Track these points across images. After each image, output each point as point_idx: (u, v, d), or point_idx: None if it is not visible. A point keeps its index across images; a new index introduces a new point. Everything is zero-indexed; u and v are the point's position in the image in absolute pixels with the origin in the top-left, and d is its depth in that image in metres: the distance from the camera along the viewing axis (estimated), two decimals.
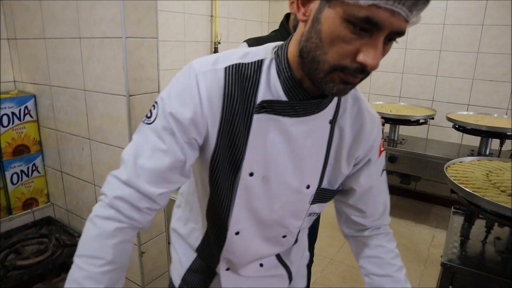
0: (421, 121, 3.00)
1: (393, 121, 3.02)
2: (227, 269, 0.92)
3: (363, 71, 0.61)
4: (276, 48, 0.73)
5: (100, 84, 1.71)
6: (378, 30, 0.57)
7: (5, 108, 1.91)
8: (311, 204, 0.84)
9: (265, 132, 0.73)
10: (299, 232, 0.91)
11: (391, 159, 2.95)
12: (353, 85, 0.65)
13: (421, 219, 3.19)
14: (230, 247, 0.86)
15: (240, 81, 0.71)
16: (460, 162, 1.74)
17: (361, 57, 0.59)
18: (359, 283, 2.34)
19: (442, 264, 1.44)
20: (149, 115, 0.74)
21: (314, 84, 0.67)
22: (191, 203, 0.94)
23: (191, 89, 0.70)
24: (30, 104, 2.00)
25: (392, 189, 3.90)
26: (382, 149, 0.88)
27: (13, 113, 1.94)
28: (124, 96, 1.63)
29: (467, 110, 3.27)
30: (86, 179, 1.94)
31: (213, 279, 0.96)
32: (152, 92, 1.73)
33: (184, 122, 0.70)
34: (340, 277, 2.38)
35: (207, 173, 0.78)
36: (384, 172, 0.92)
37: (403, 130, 3.47)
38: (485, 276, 1.36)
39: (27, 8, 1.93)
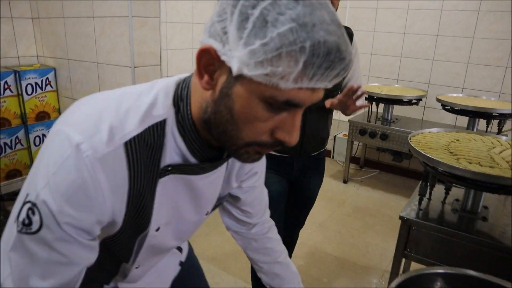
0: (413, 101, 3.15)
1: (386, 101, 3.19)
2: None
3: (281, 144, 0.58)
4: (175, 101, 0.62)
5: (110, 58, 1.96)
6: (297, 108, 0.54)
7: (29, 78, 2.18)
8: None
9: (170, 190, 0.66)
10: None
11: (382, 136, 3.13)
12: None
13: (410, 195, 3.36)
14: (128, 277, 0.82)
15: (144, 152, 0.59)
16: (437, 131, 1.90)
17: (280, 136, 0.56)
18: (342, 245, 2.56)
19: (400, 218, 1.65)
20: (26, 221, 0.55)
21: (226, 150, 0.63)
22: None
23: (88, 187, 0.54)
24: (50, 75, 2.27)
25: (385, 167, 4.06)
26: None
27: (36, 83, 2.22)
28: (130, 67, 1.87)
29: (462, 93, 3.40)
30: None
31: None
32: (155, 65, 1.97)
33: (87, 227, 0.57)
34: (325, 239, 2.61)
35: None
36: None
37: (399, 111, 3.63)
38: (435, 227, 1.56)
39: None
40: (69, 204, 0.54)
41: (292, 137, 0.56)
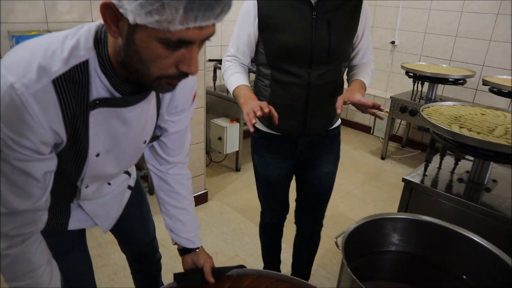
0: (460, 81, 3.09)
1: (430, 79, 3.16)
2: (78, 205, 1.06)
3: (185, 75, 0.70)
4: (95, 43, 0.73)
5: None
6: (192, 44, 0.65)
7: None
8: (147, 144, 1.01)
9: (103, 121, 0.80)
10: None
11: None
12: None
13: None
14: (82, 195, 0.99)
15: (72, 88, 0.71)
16: (464, 105, 1.93)
17: (183, 68, 0.67)
18: (364, 213, 2.69)
19: (403, 180, 1.77)
20: None
21: (144, 84, 0.74)
22: None
23: (25, 116, 0.67)
24: None
25: (427, 148, 3.97)
26: (194, 98, 1.03)
27: None
28: None
29: None
30: None
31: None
32: None
33: (34, 147, 0.71)
34: (349, 205, 2.76)
35: None
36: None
37: (449, 93, 3.57)
38: (434, 191, 1.66)
39: None
40: (12, 130, 0.67)
41: (192, 68, 0.68)
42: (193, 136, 2.40)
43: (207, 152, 3.30)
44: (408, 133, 3.96)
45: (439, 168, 1.85)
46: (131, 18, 0.60)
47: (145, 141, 0.95)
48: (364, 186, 3.06)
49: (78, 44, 0.71)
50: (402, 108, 3.25)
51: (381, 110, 1.24)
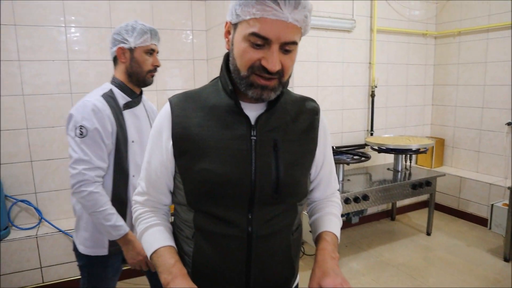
0: None
1: None
2: None
3: (156, 69, 1.62)
4: (112, 82, 1.57)
5: None
6: (154, 52, 1.61)
7: None
8: None
9: (129, 118, 1.56)
10: None
11: None
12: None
13: None
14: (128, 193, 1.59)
15: (110, 101, 1.51)
16: None
17: (155, 63, 1.60)
18: None
19: None
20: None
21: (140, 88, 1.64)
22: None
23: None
24: None
25: None
26: None
27: None
28: None
29: None
30: None
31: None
32: None
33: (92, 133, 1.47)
34: None
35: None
36: None
37: None
38: None
39: None
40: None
41: (158, 62, 1.61)
42: None
43: (302, 243, 3.21)
44: None
45: None
46: (132, 45, 1.51)
47: None
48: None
49: (105, 86, 1.57)
50: None
51: None
